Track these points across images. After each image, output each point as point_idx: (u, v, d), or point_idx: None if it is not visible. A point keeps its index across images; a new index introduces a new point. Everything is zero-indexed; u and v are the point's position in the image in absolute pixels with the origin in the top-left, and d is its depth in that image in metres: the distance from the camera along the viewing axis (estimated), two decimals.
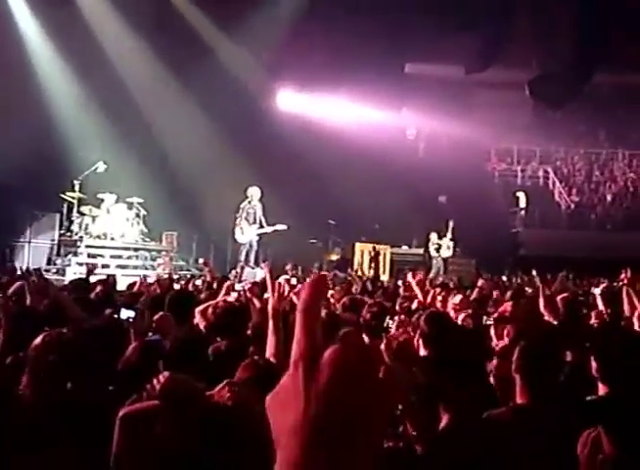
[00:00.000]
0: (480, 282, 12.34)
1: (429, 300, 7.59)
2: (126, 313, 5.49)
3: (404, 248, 20.19)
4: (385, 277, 18.32)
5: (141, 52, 20.63)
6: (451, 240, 20.00)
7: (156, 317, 5.20)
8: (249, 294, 6.54)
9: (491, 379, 4.14)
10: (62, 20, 19.52)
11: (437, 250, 19.72)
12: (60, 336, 3.61)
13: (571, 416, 3.31)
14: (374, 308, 5.95)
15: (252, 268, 16.54)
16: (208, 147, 20.80)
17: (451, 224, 19.89)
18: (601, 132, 28.73)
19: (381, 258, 19.19)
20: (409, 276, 8.51)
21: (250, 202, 17.04)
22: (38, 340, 3.53)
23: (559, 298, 6.11)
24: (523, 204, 24.24)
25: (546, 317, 5.85)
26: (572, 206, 25.38)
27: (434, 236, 19.73)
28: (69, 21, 19.51)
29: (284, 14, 21.60)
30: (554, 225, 23.62)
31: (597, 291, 7.70)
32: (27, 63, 19.71)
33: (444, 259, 19.85)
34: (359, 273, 16.97)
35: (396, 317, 5.31)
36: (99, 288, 7.85)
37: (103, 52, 20.20)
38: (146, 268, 16.78)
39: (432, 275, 18.31)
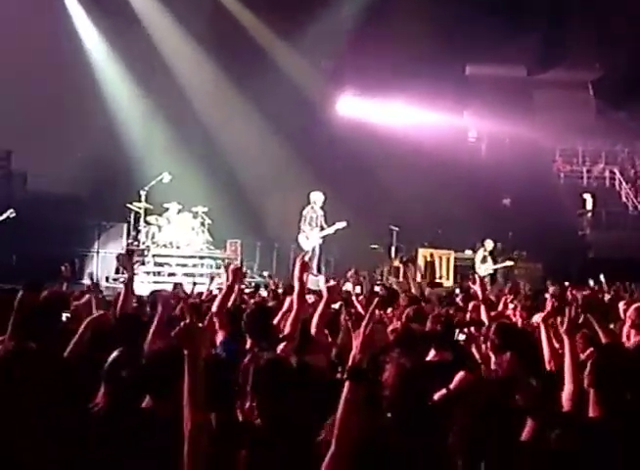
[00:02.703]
0: (550, 290, 10.68)
1: (500, 307, 7.41)
2: None
3: (468, 252, 19.66)
4: (448, 283, 18.12)
5: (204, 64, 21.06)
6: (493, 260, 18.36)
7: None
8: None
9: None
10: (126, 36, 20.12)
11: (484, 260, 18.21)
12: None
13: None
14: (440, 319, 5.85)
15: (315, 276, 16.52)
16: (270, 154, 21.00)
17: (490, 244, 18.37)
18: None
19: (444, 263, 18.89)
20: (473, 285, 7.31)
21: (312, 207, 16.88)
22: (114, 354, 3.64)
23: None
24: (589, 206, 23.66)
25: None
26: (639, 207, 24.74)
27: (488, 243, 18.37)
28: (134, 37, 20.06)
29: (343, 21, 21.66)
30: (622, 227, 23.02)
31: None
32: (94, 79, 20.30)
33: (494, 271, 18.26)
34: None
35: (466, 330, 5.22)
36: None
37: (166, 65, 20.74)
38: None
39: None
